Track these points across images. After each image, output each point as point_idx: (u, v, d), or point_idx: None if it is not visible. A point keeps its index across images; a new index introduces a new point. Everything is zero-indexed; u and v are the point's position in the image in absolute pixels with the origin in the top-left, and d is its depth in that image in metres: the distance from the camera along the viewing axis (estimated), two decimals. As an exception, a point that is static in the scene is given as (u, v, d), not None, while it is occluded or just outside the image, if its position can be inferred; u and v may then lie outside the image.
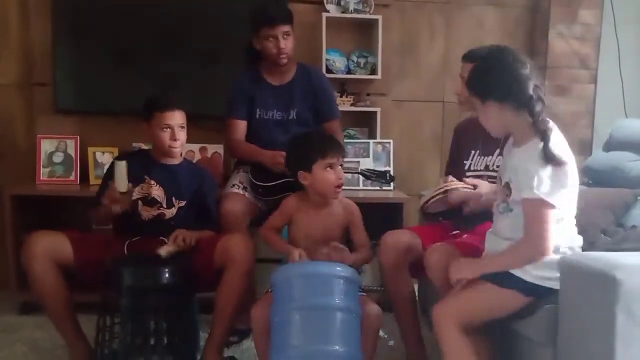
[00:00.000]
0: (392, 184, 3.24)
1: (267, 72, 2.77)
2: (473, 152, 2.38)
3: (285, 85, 2.77)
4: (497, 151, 2.28)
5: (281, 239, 2.26)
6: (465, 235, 2.17)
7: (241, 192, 2.65)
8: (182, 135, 2.40)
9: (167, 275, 2.13)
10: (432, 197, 2.16)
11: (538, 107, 1.73)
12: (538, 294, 1.78)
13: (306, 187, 2.22)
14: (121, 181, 2.24)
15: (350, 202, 2.32)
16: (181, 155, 2.51)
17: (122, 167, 2.27)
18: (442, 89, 3.60)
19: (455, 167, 2.43)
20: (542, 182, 1.69)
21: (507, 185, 1.82)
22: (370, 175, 2.67)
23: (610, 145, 2.84)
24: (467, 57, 2.30)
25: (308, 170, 2.17)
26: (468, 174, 2.33)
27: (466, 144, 2.42)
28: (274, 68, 2.74)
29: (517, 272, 1.79)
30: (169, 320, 2.19)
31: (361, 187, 3.30)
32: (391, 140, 3.38)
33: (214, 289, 2.25)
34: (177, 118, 2.37)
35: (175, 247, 2.23)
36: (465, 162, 2.39)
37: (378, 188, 3.28)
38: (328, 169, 2.16)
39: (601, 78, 3.55)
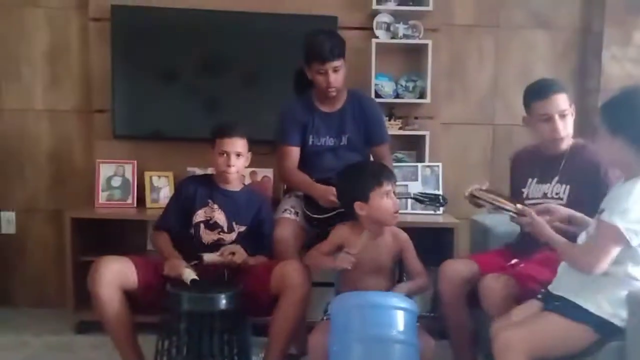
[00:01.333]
0: (441, 208, 3.24)
1: (319, 100, 2.80)
2: (530, 179, 2.36)
3: (336, 112, 2.80)
4: (556, 179, 2.27)
5: (325, 256, 2.26)
6: (522, 265, 2.14)
7: (293, 217, 2.67)
8: (237, 162, 2.45)
9: (223, 300, 2.17)
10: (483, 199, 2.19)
11: None
12: (608, 331, 1.75)
13: (361, 217, 2.23)
14: (188, 275, 2.24)
15: (399, 230, 2.32)
16: (242, 181, 2.60)
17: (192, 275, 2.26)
18: (492, 112, 3.57)
19: (515, 196, 2.40)
20: (627, 213, 1.70)
21: (601, 211, 1.80)
22: (424, 200, 2.67)
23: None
24: (549, 90, 2.29)
25: (365, 200, 2.18)
26: (526, 202, 2.31)
27: (523, 171, 2.41)
28: (325, 96, 2.77)
29: (590, 307, 1.76)
30: (224, 343, 2.22)
31: (409, 210, 3.29)
32: (440, 164, 3.37)
33: (269, 313, 2.29)
34: (234, 145, 2.43)
35: (218, 257, 2.29)
36: (522, 190, 2.37)
37: (427, 212, 3.27)
38: (385, 196, 2.17)
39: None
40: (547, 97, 2.25)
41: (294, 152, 2.79)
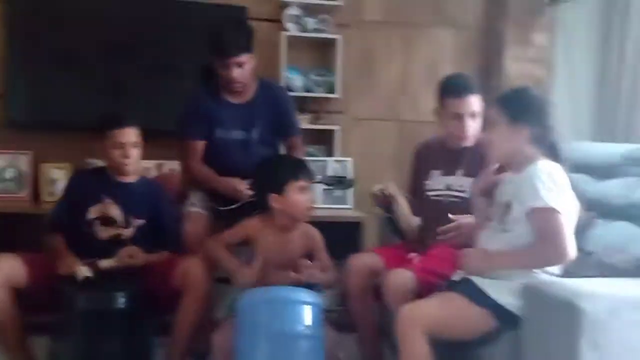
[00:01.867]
0: (348, 190, 3.28)
1: (226, 90, 2.63)
2: (434, 172, 2.39)
3: (245, 104, 2.65)
4: (460, 171, 2.31)
5: (230, 256, 2.21)
6: (420, 259, 2.17)
7: (202, 211, 2.60)
8: (134, 152, 2.34)
9: (122, 299, 2.07)
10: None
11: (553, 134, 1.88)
12: (507, 319, 1.78)
13: (275, 210, 2.20)
14: (81, 273, 2.15)
15: (310, 227, 2.31)
16: (139, 172, 2.46)
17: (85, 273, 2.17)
18: (400, 108, 3.64)
19: (414, 188, 2.47)
20: (549, 191, 1.75)
21: (508, 204, 1.85)
22: (331, 182, 2.70)
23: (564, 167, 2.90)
24: (463, 90, 2.30)
25: (280, 192, 2.16)
26: (428, 193, 2.37)
27: (427, 164, 2.44)
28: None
29: (491, 293, 1.80)
30: (123, 343, 2.13)
31: (319, 205, 3.30)
32: (350, 158, 3.40)
33: (172, 311, 2.21)
34: (129, 135, 2.32)
35: (114, 262, 2.19)
36: (426, 182, 2.41)
37: (336, 207, 3.30)
38: (300, 191, 2.16)
39: (555, 100, 3.64)
40: (462, 97, 2.26)
41: (197, 146, 2.64)
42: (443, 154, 2.39)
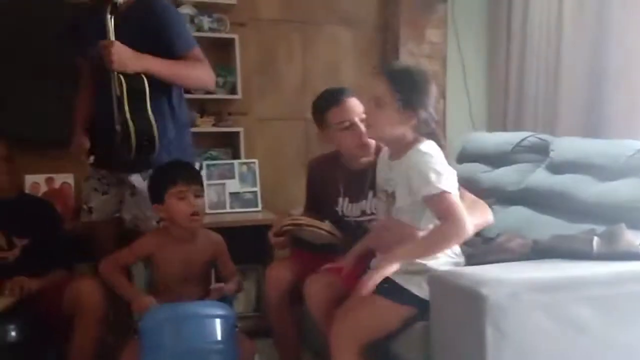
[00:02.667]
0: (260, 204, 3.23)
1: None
2: (341, 199, 2.24)
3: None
4: (370, 194, 2.15)
5: (127, 282, 2.10)
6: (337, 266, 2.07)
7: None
8: None
9: (12, 332, 1.92)
10: (285, 227, 2.13)
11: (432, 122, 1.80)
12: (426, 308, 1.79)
13: (166, 221, 2.11)
14: None
15: (212, 233, 2.24)
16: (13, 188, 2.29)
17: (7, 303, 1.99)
18: (303, 107, 3.61)
19: (323, 211, 2.28)
20: (439, 175, 1.73)
21: (392, 195, 1.83)
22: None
23: (463, 157, 3.01)
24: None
25: (161, 202, 2.07)
26: (346, 218, 2.23)
27: (329, 189, 2.27)
28: None
29: (412, 288, 1.79)
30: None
31: (228, 210, 3.24)
32: (256, 160, 3.35)
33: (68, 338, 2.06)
34: None
35: (11, 299, 2.01)
36: (336, 208, 2.25)
37: (246, 210, 3.24)
38: (180, 198, 2.06)
39: (449, 93, 3.78)
40: (340, 103, 2.12)
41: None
42: (345, 179, 2.23)
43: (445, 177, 1.75)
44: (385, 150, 1.96)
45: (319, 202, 2.35)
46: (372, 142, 2.13)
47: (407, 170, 1.78)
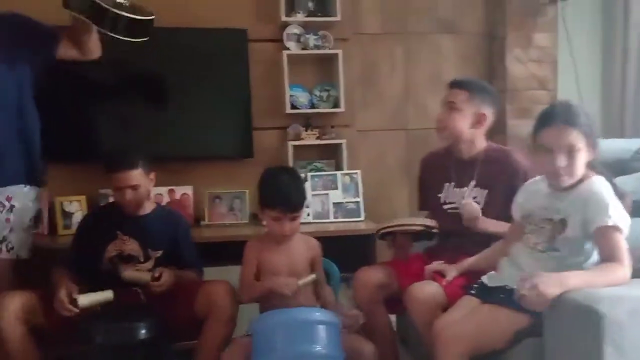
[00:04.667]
0: (363, 214, 3.29)
1: None
2: (447, 184, 2.37)
3: None
4: (473, 182, 2.30)
5: (259, 284, 2.20)
6: (441, 277, 2.12)
7: None
8: (133, 194, 2.33)
9: (143, 330, 2.08)
10: (390, 229, 2.25)
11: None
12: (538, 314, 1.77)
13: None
14: (88, 299, 2.14)
15: (310, 238, 2.29)
16: (152, 203, 2.49)
17: (106, 296, 2.17)
18: (406, 117, 3.65)
19: (428, 201, 2.44)
20: (615, 209, 1.74)
21: (562, 222, 1.82)
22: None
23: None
24: (457, 84, 2.32)
25: (262, 210, 2.17)
26: (445, 207, 2.34)
27: (437, 176, 2.42)
28: None
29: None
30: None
31: (331, 219, 3.31)
32: (359, 171, 3.41)
33: (194, 337, 2.22)
34: (125, 180, 2.31)
35: (109, 295, 2.17)
36: (439, 195, 2.38)
37: (348, 220, 3.31)
38: (274, 220, 2.12)
39: (561, 98, 3.64)
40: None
41: None
42: (453, 165, 2.37)
43: (620, 214, 1.75)
44: (536, 179, 1.99)
45: (427, 193, 2.46)
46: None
47: (585, 199, 1.79)
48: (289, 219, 2.11)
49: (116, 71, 3.21)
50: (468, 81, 2.36)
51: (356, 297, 2.29)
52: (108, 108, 3.23)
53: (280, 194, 2.10)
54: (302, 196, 2.17)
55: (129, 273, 2.26)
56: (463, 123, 2.29)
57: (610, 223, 1.73)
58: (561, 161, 1.80)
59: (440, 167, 2.42)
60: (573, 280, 1.69)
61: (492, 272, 2.01)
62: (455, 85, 2.32)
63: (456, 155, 2.37)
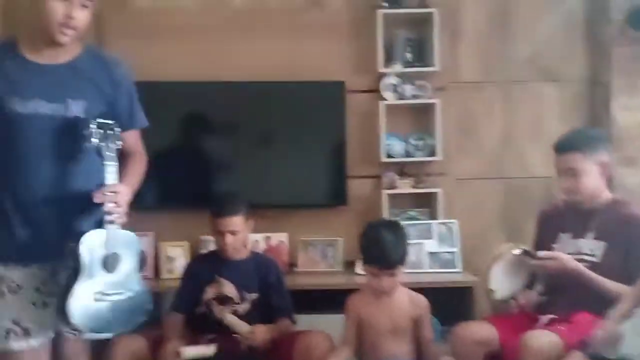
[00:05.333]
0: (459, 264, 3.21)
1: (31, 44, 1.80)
2: (562, 234, 2.30)
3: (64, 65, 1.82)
4: (591, 234, 2.21)
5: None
6: (560, 327, 2.03)
7: None
8: (233, 239, 2.45)
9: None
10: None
11: None
12: None
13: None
14: (191, 353, 2.24)
15: (418, 295, 2.26)
16: (248, 249, 2.58)
17: (209, 350, 2.27)
18: (504, 166, 3.55)
19: (541, 249, 2.34)
20: None
21: None
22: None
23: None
24: (567, 147, 2.25)
25: (363, 264, 2.20)
26: None
27: (554, 227, 2.35)
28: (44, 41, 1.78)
29: None
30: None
31: (426, 270, 3.25)
32: (455, 220, 3.34)
33: None
34: (227, 225, 2.44)
35: (212, 349, 2.24)
36: (553, 245, 2.30)
37: (444, 271, 3.23)
38: (373, 276, 2.14)
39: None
40: (559, 154, 2.26)
41: None
42: (571, 214, 2.30)
43: None
44: None
45: (541, 244, 2.37)
46: (583, 193, 2.24)
47: None
48: (387, 275, 2.10)
49: (220, 120, 3.38)
50: (576, 140, 2.27)
51: (454, 354, 2.22)
52: (211, 156, 3.38)
53: (378, 250, 2.11)
54: (401, 254, 2.16)
55: (230, 317, 2.34)
56: (591, 181, 2.23)
57: None
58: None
59: (557, 217, 2.36)
60: None
61: (610, 333, 1.86)
62: (566, 149, 2.25)
63: (577, 205, 2.29)
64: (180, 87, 3.29)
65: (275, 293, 2.51)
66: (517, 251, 2.22)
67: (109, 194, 1.75)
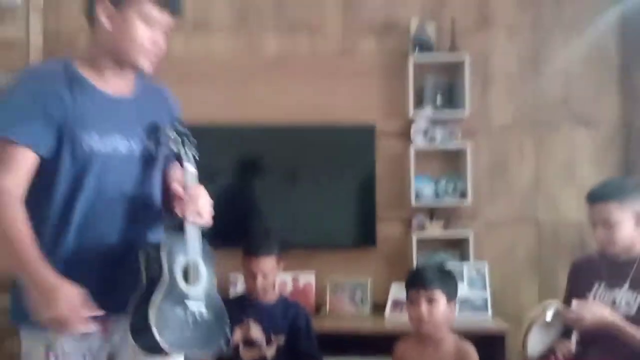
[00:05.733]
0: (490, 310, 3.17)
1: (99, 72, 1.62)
2: (597, 284, 2.25)
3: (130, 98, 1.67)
4: (626, 285, 2.17)
5: None
6: None
7: None
8: (264, 281, 2.46)
9: None
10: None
11: None
12: None
13: None
14: None
15: (466, 344, 2.18)
16: (276, 292, 2.59)
17: None
18: (535, 209, 3.51)
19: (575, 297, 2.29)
20: None
21: None
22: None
23: None
24: (601, 198, 2.22)
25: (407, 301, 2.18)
26: None
27: (587, 276, 2.31)
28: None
29: None
30: None
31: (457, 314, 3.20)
32: (486, 263, 3.31)
33: None
34: (259, 266, 2.44)
35: None
36: (587, 294, 2.25)
37: (475, 316, 3.18)
38: (413, 303, 2.12)
39: None
40: (593, 204, 2.23)
41: (26, 159, 1.49)
42: (606, 264, 2.26)
43: None
44: None
45: (575, 293, 2.31)
46: (613, 244, 2.20)
47: None
48: (425, 299, 2.08)
49: (248, 163, 3.43)
50: (610, 190, 2.24)
51: None
52: (242, 195, 3.42)
53: (416, 272, 2.18)
54: (440, 277, 2.14)
55: None
56: (626, 232, 2.19)
57: None
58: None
59: (591, 267, 2.32)
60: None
61: None
62: (600, 199, 2.21)
63: (612, 256, 2.25)
64: (214, 130, 3.31)
65: (303, 338, 2.50)
66: (549, 316, 2.15)
67: (192, 195, 1.61)
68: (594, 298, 2.23)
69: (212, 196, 1.66)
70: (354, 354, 2.56)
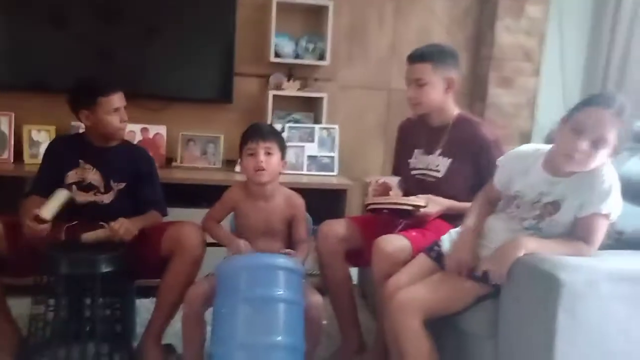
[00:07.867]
0: (337, 169, 3.30)
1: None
2: (417, 150, 2.38)
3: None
4: (438, 151, 2.30)
5: (223, 230, 2.24)
6: (414, 233, 2.13)
7: None
8: (126, 116, 2.34)
9: (105, 263, 2.06)
10: (379, 205, 2.19)
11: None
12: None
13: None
14: (50, 209, 2.11)
15: (294, 194, 2.28)
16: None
17: (62, 196, 2.17)
18: (389, 76, 3.60)
19: (400, 167, 2.45)
20: (615, 200, 1.71)
21: (554, 205, 1.77)
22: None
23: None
24: (417, 58, 2.26)
25: (241, 154, 2.19)
26: (413, 172, 2.35)
27: (410, 142, 2.42)
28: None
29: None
30: (106, 307, 2.13)
31: (305, 172, 3.30)
32: (336, 126, 3.38)
33: (158, 276, 2.20)
34: (122, 100, 2.30)
35: (106, 232, 2.15)
36: (409, 160, 2.39)
37: (322, 174, 3.30)
38: (249, 155, 2.14)
39: (544, 72, 3.64)
40: (410, 63, 2.28)
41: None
42: (425, 131, 2.36)
43: (617, 203, 1.72)
44: (527, 152, 1.93)
45: (400, 159, 2.48)
46: (420, 102, 2.29)
47: (589, 185, 1.72)
48: (263, 150, 2.12)
49: (95, 4, 3.11)
50: (428, 52, 2.27)
51: (318, 248, 2.30)
52: (87, 39, 3.10)
53: (254, 126, 2.21)
54: (276, 132, 2.23)
55: (86, 236, 2.16)
56: (435, 94, 2.26)
57: (603, 211, 1.70)
58: (583, 146, 1.68)
59: (413, 134, 2.43)
60: (533, 245, 1.73)
61: (454, 237, 1.98)
62: (416, 59, 2.26)
63: (428, 122, 2.36)
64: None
65: (146, 184, 2.38)
66: (408, 207, 2.17)
67: None
68: (413, 165, 2.36)
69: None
70: (203, 206, 2.53)
